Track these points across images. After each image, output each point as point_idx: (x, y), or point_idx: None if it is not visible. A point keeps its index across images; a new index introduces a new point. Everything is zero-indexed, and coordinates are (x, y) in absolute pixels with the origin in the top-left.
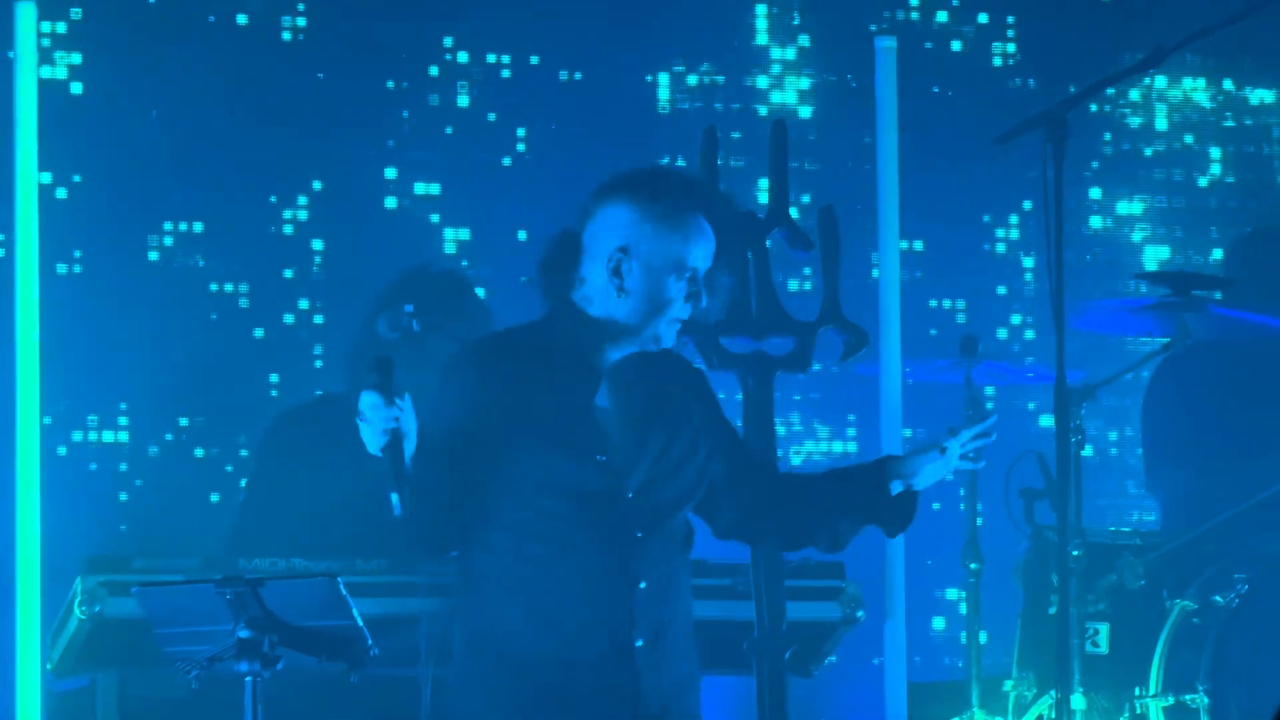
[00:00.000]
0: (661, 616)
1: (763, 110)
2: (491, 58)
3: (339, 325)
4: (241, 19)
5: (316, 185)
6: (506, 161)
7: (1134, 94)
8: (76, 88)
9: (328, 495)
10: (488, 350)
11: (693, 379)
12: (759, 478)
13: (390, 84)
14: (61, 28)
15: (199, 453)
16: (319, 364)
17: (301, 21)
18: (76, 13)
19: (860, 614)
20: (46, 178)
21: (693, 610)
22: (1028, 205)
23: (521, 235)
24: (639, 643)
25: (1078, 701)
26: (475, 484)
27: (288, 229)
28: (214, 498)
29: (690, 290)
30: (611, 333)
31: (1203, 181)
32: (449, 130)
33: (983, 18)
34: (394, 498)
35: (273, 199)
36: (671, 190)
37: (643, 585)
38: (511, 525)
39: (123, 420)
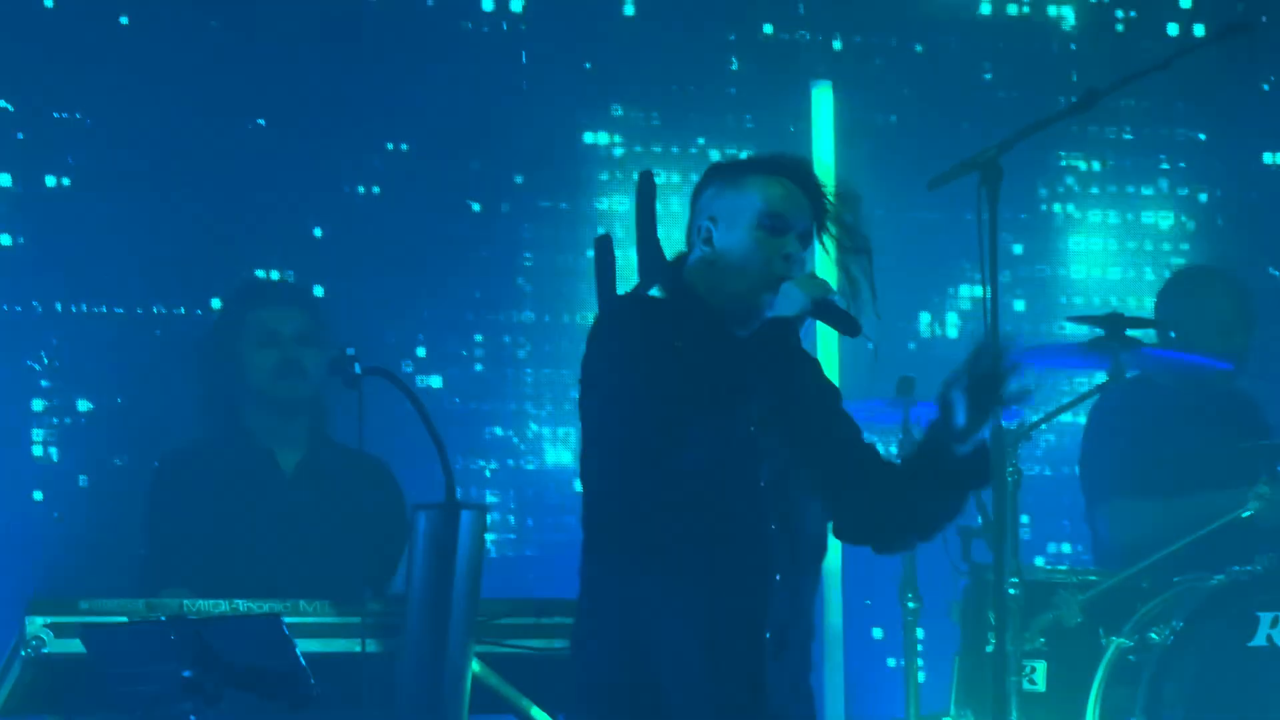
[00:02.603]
0: (787, 616)
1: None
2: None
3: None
4: None
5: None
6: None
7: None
8: None
9: (228, 531)
10: (647, 309)
11: (816, 368)
12: (879, 470)
13: None
14: None
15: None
16: None
17: None
18: None
19: None
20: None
21: (812, 628)
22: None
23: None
24: (767, 634)
25: None
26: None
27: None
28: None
29: (790, 248)
30: (726, 298)
31: (1146, 218)
32: None
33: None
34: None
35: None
36: (740, 161)
37: (777, 578)
38: (664, 497)
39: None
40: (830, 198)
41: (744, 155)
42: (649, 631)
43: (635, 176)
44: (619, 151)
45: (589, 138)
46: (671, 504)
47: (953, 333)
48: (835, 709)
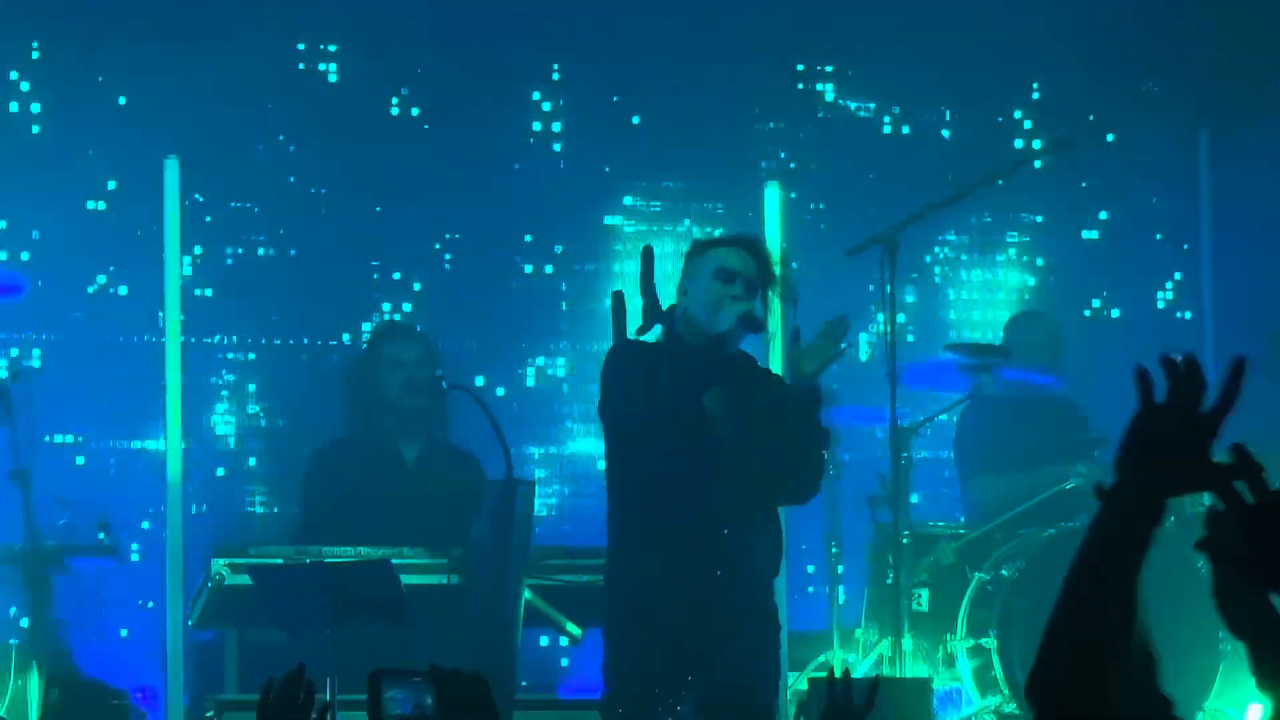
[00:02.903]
0: (738, 559)
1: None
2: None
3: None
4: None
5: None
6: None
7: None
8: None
9: (363, 504)
10: (643, 348)
11: (753, 363)
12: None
13: None
14: None
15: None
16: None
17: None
18: None
19: None
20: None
21: (774, 571)
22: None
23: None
24: (719, 572)
25: (907, 644)
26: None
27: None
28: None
29: (735, 290)
30: (693, 336)
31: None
32: None
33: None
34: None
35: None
36: (710, 238)
37: (725, 532)
38: (660, 471)
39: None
40: (772, 262)
41: (716, 234)
42: (639, 568)
43: (640, 249)
44: (629, 229)
45: (609, 220)
46: (651, 479)
47: (864, 354)
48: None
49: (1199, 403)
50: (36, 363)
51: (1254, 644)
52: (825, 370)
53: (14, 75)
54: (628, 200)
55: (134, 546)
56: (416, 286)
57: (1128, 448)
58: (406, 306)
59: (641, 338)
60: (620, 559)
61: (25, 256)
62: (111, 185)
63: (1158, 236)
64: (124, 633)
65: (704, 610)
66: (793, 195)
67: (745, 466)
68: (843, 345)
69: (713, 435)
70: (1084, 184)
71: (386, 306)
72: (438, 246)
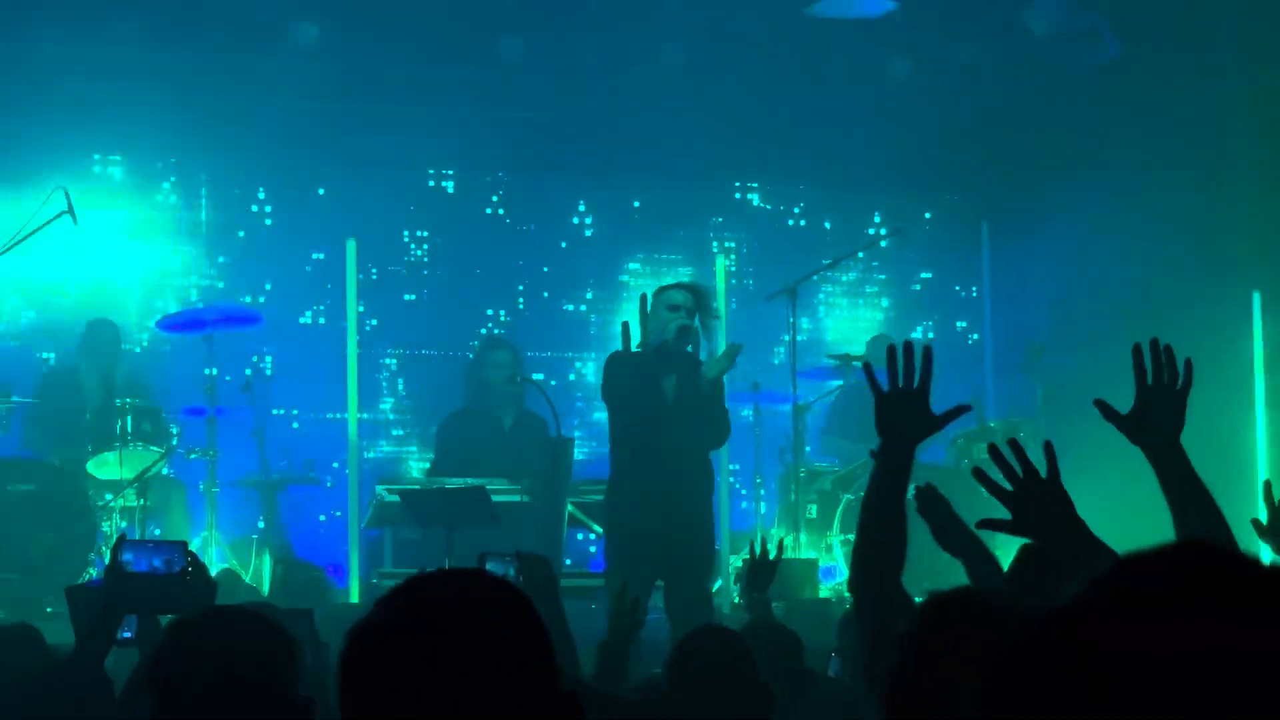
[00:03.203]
0: (692, 480)
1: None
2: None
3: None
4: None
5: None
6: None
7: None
8: None
9: (474, 453)
10: (629, 355)
11: (697, 362)
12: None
13: None
14: None
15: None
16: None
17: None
18: None
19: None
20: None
21: (709, 489)
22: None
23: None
24: (672, 490)
25: (803, 538)
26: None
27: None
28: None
29: (679, 316)
30: (653, 346)
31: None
32: None
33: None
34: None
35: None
36: (677, 283)
37: (674, 465)
38: (638, 431)
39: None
40: (703, 295)
41: (671, 281)
42: (623, 490)
43: (638, 297)
44: (633, 282)
45: (621, 276)
46: (629, 427)
47: (778, 360)
48: (724, 524)
49: (911, 384)
50: (269, 370)
51: (965, 560)
52: (726, 373)
53: (260, 193)
54: (633, 265)
55: (328, 479)
56: (503, 317)
57: (878, 421)
58: (498, 331)
59: (631, 350)
60: (612, 485)
61: (262, 300)
62: (317, 256)
63: (957, 288)
64: (322, 519)
65: (662, 513)
66: (732, 265)
67: (687, 425)
68: (736, 359)
69: (667, 405)
70: (911, 255)
71: (483, 330)
72: (520, 288)
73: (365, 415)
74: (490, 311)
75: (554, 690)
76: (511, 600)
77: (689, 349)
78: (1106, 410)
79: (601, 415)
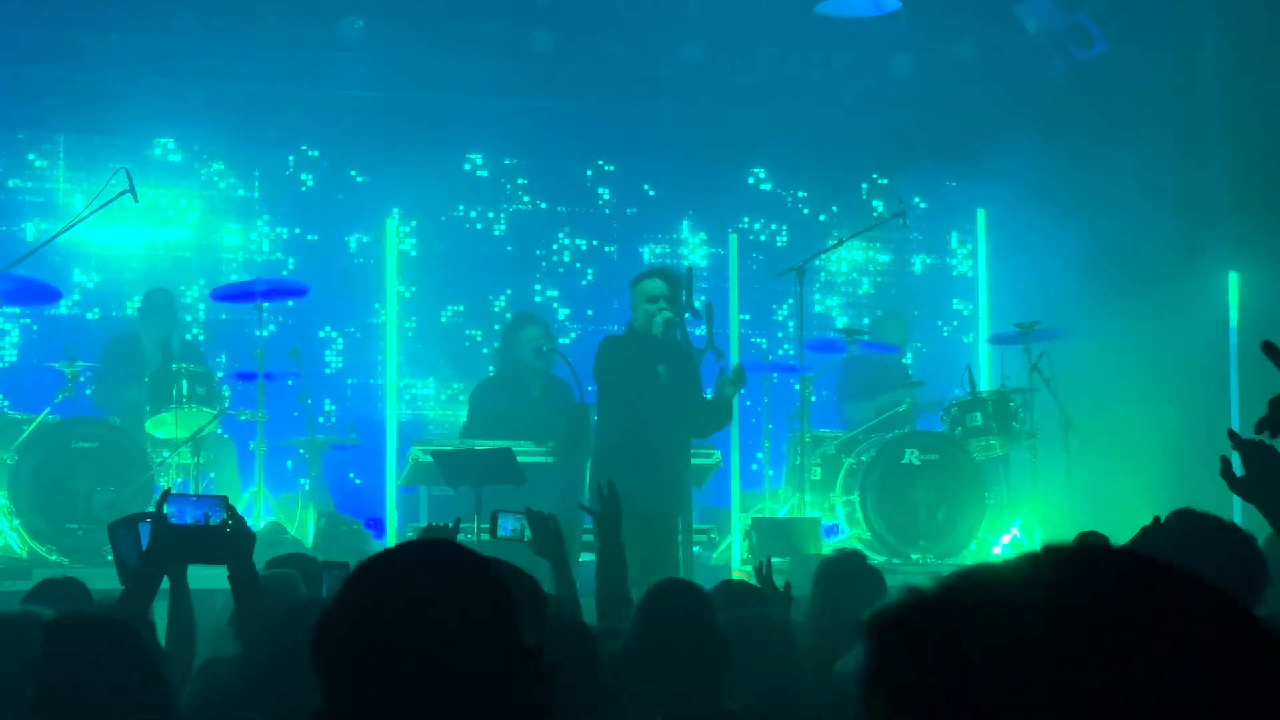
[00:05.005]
0: (674, 450)
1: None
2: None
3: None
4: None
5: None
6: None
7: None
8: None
9: (504, 417)
10: (618, 338)
11: (687, 352)
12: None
13: None
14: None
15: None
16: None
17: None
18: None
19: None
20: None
21: (686, 461)
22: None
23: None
24: (654, 454)
25: (808, 498)
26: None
27: None
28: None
29: (660, 307)
30: (640, 332)
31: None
32: None
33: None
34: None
35: None
36: (647, 270)
37: (669, 432)
38: (629, 409)
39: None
40: (675, 280)
41: (644, 269)
42: (613, 454)
43: (672, 268)
44: (660, 255)
45: (643, 249)
46: (625, 400)
47: (773, 344)
48: (734, 485)
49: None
50: (323, 341)
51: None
52: (738, 391)
53: (303, 175)
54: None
55: (369, 440)
56: (538, 299)
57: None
58: (537, 309)
59: (619, 334)
60: (599, 457)
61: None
62: (362, 237)
63: (951, 263)
64: (358, 481)
65: (640, 478)
66: (743, 242)
67: (674, 407)
68: (744, 379)
69: (658, 388)
70: (916, 235)
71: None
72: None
73: (401, 383)
74: (545, 288)
75: (517, 645)
76: (463, 568)
77: (677, 337)
78: (1228, 473)
79: None
